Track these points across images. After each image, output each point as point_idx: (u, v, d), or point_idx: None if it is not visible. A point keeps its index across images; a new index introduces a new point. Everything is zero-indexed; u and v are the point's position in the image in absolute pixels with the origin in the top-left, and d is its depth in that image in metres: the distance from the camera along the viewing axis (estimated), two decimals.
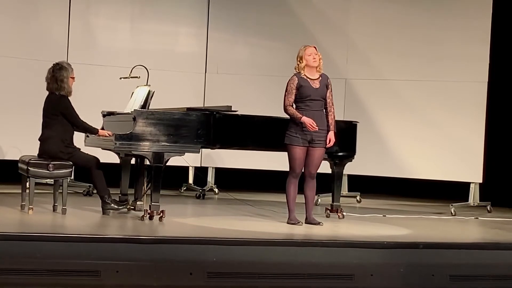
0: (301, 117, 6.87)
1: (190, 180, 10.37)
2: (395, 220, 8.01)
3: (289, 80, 7.00)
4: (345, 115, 9.24)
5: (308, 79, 6.96)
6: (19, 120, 9.14)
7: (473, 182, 9.46)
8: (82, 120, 7.11)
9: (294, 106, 6.97)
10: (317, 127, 6.86)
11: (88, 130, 7.22)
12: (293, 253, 5.77)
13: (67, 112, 7.03)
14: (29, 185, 6.98)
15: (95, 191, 7.44)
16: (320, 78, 7.02)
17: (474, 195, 9.44)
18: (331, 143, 6.99)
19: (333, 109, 7.06)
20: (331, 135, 6.98)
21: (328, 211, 7.92)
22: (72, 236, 5.68)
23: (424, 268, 5.85)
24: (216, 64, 10.44)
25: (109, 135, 7.05)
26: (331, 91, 7.08)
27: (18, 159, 7.30)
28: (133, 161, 7.67)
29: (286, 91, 6.98)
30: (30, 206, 6.91)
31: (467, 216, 8.79)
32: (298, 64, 7.00)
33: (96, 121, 7.52)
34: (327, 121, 7.00)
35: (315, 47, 7.02)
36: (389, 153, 9.95)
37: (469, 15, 9.68)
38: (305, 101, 6.92)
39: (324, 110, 7.02)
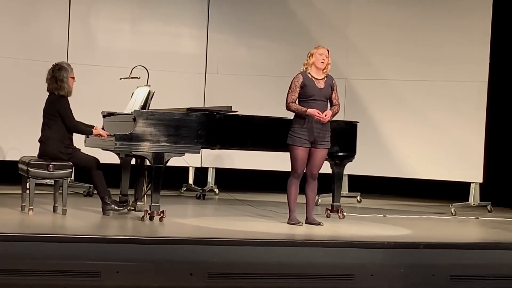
0: (306, 110, 6.85)
1: (190, 181, 10.37)
2: (396, 220, 8.01)
3: (293, 78, 6.99)
4: (345, 115, 9.23)
5: (314, 79, 6.95)
6: (19, 121, 9.14)
7: (473, 182, 9.47)
8: (76, 122, 7.05)
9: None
10: (324, 115, 6.83)
11: (83, 132, 7.18)
12: (294, 254, 5.77)
13: (63, 112, 6.99)
14: (29, 186, 6.98)
15: (95, 192, 7.44)
16: (326, 78, 7.01)
17: (474, 195, 9.45)
18: (328, 117, 6.86)
19: (338, 106, 7.05)
20: (328, 112, 6.88)
21: (329, 211, 7.92)
22: (72, 236, 5.68)
23: (424, 268, 5.85)
24: (216, 65, 10.44)
25: (106, 135, 7.03)
26: (337, 92, 7.07)
27: (18, 160, 7.30)
28: (133, 161, 7.67)
29: (289, 88, 6.97)
30: (30, 207, 6.90)
31: (468, 216, 8.79)
32: (307, 60, 7.00)
33: (96, 122, 7.51)
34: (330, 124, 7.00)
35: (328, 50, 7.00)
36: (389, 153, 9.95)
37: (469, 16, 9.69)
38: (309, 101, 6.90)
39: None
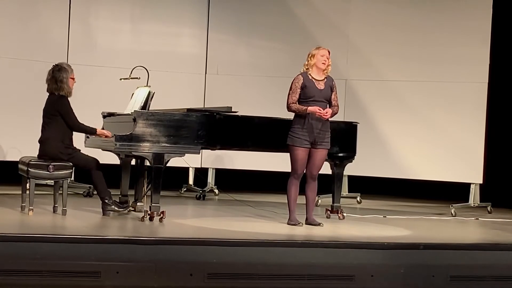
0: (306, 109, 6.85)
1: (190, 181, 10.37)
2: (396, 221, 8.01)
3: (294, 79, 6.99)
4: (345, 116, 9.23)
5: (314, 80, 6.96)
6: (19, 121, 9.14)
7: (473, 183, 9.47)
8: (79, 122, 7.07)
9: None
10: (326, 111, 6.84)
11: (86, 131, 7.20)
12: (294, 254, 5.77)
13: (64, 112, 7.00)
14: (29, 186, 6.97)
15: (95, 192, 7.44)
16: (326, 79, 7.02)
17: (474, 196, 9.45)
18: (328, 114, 6.89)
19: (337, 107, 7.06)
20: (328, 110, 6.90)
21: (329, 212, 7.92)
22: (72, 237, 5.67)
23: (424, 268, 5.85)
24: (216, 65, 10.44)
25: (110, 135, 7.03)
26: (336, 93, 7.08)
27: (18, 160, 7.30)
28: (133, 162, 7.67)
29: (290, 89, 6.97)
30: (30, 207, 6.90)
31: (468, 217, 8.78)
32: (308, 61, 7.00)
33: (96, 122, 7.52)
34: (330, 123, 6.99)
35: (328, 51, 7.01)
36: (389, 153, 9.95)
37: (469, 16, 9.69)
38: (309, 102, 6.90)
39: None
